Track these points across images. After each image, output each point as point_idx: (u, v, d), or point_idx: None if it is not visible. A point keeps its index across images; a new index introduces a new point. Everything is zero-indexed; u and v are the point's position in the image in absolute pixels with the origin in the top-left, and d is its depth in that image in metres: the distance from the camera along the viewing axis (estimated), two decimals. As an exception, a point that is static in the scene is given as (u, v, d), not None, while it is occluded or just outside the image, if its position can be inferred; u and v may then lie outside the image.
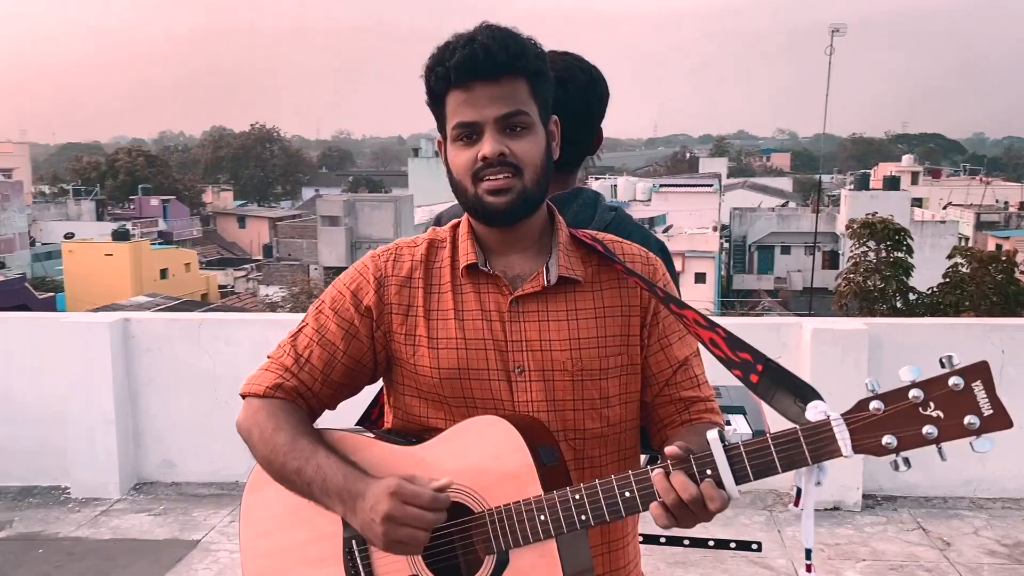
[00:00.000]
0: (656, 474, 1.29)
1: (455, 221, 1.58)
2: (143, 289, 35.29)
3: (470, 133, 1.42)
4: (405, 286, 1.52)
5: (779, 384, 1.34)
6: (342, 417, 1.61)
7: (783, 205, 54.02)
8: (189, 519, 4.69)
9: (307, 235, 42.29)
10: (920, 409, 1.20)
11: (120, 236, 38.95)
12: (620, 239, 1.58)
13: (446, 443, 1.44)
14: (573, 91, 1.85)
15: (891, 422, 1.21)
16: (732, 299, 39.75)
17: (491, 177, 1.42)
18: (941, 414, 1.19)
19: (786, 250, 45.57)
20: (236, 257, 52.28)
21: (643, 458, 1.74)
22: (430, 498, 1.31)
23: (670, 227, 38.45)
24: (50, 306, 27.37)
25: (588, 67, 1.90)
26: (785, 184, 70.09)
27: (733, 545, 2.38)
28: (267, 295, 34.03)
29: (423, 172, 63.94)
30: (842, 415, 1.23)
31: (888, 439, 1.20)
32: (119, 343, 4.99)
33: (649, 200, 46.05)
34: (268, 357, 1.55)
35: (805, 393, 1.30)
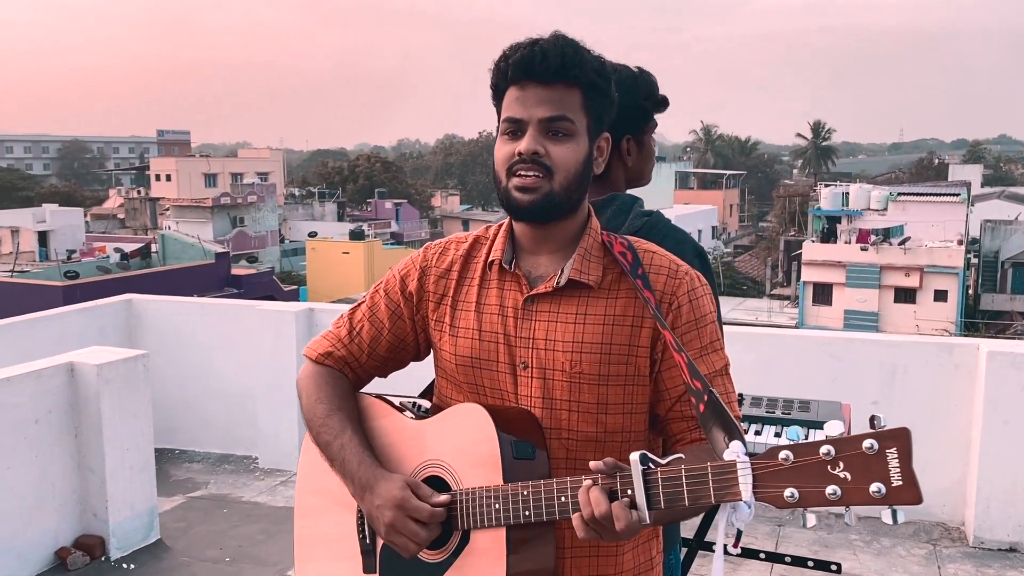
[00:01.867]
0: (583, 486, 1.32)
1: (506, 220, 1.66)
2: (373, 285, 37.82)
3: (516, 129, 1.50)
4: (443, 277, 1.64)
5: (717, 418, 1.34)
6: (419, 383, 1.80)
7: (1045, 218, 48.38)
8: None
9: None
10: (828, 467, 1.15)
11: (356, 236, 42.01)
12: (655, 249, 1.59)
13: (439, 423, 1.56)
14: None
15: (797, 475, 1.16)
16: (978, 320, 36.19)
17: (522, 173, 1.49)
18: (849, 476, 1.14)
19: (1047, 268, 40.76)
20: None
21: None
22: (428, 514, 1.44)
23: (907, 239, 35.60)
24: (293, 298, 30.03)
25: (630, 76, 1.93)
26: (1050, 195, 62.68)
27: (811, 564, 2.29)
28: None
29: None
30: (751, 460, 1.20)
31: (790, 492, 1.16)
32: (304, 330, 5.48)
33: (885, 209, 42.89)
34: (332, 325, 1.74)
35: (733, 432, 1.29)
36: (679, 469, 1.26)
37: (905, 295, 33.36)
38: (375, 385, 1.74)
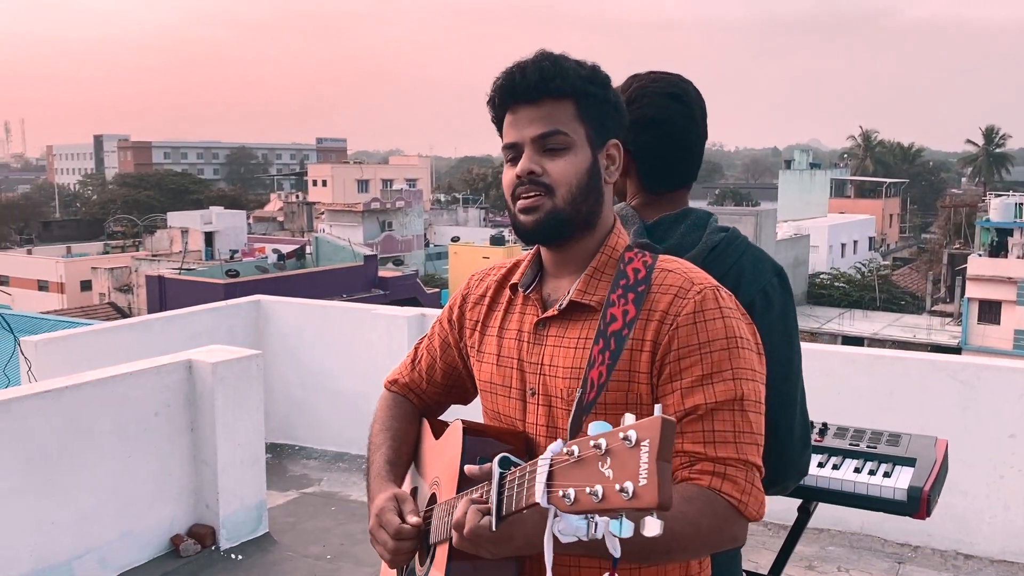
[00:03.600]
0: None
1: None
2: (514, 291, 38.26)
3: (514, 155, 1.46)
4: (479, 304, 1.63)
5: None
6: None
7: None
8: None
9: (666, 247, 42.76)
10: (599, 464, 0.96)
11: (496, 241, 42.60)
12: (676, 268, 1.45)
13: (442, 441, 1.57)
14: (672, 115, 1.78)
15: (577, 472, 0.99)
16: None
17: (524, 196, 1.45)
18: (611, 473, 0.95)
19: None
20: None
21: None
22: (395, 530, 1.44)
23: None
24: (435, 301, 30.85)
25: (682, 91, 1.81)
26: None
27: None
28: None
29: (794, 185, 61.31)
30: (552, 455, 1.04)
31: (567, 493, 0.98)
32: (415, 334, 5.58)
33: (1064, 222, 39.44)
34: (407, 355, 1.80)
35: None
36: (514, 473, 1.15)
37: (1085, 316, 30.59)
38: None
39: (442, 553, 1.40)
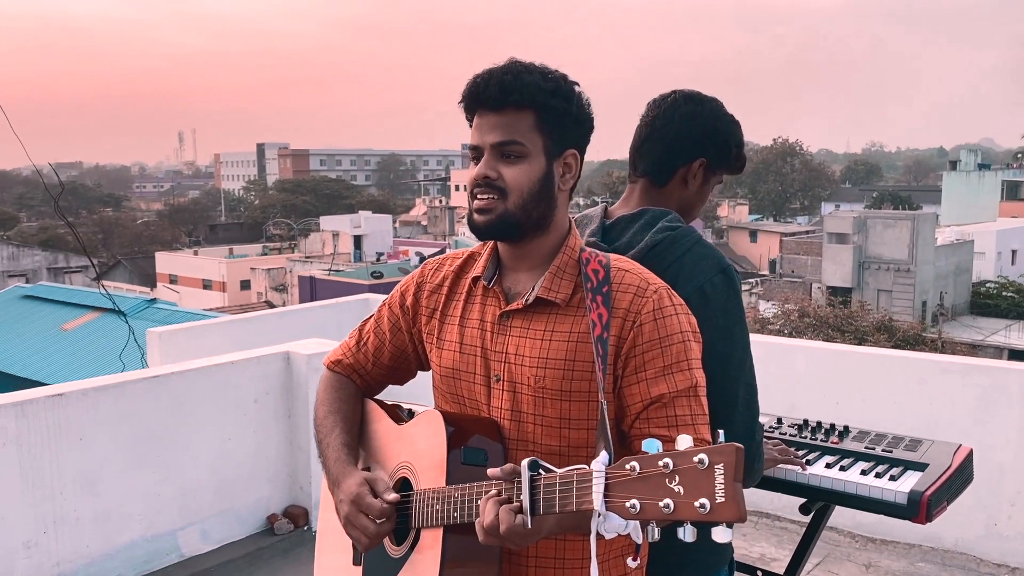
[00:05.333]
0: (486, 494, 1.36)
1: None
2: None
3: (476, 156, 1.59)
4: (435, 292, 1.74)
5: (602, 431, 1.35)
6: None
7: None
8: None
9: (812, 252, 41.19)
10: (667, 480, 1.12)
11: (635, 245, 42.34)
12: (631, 268, 1.58)
13: (411, 428, 1.66)
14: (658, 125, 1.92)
15: (641, 486, 1.15)
16: None
17: (479, 196, 1.57)
18: (682, 490, 1.11)
19: None
20: (744, 271, 53.17)
21: None
22: (379, 511, 1.53)
23: None
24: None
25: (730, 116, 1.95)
26: None
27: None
28: (762, 311, 33.99)
29: (960, 188, 57.59)
30: (607, 469, 1.19)
31: (632, 503, 1.14)
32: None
33: None
34: (348, 335, 1.89)
35: (608, 445, 1.30)
36: (554, 477, 1.27)
37: None
38: (399, 392, 1.86)
39: (432, 537, 1.50)
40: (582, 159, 1.61)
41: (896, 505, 1.94)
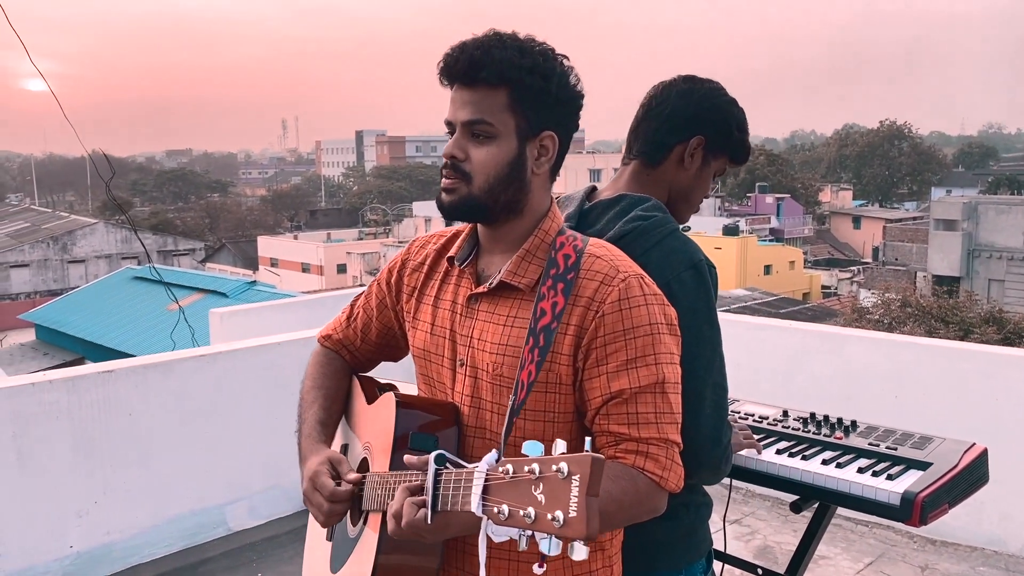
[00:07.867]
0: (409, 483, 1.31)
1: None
2: (745, 283, 37.02)
3: (450, 131, 1.52)
4: (416, 271, 1.70)
5: (509, 428, 1.31)
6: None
7: None
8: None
9: (918, 239, 39.39)
10: (532, 487, 1.04)
11: (730, 231, 41.43)
12: (604, 255, 1.49)
13: (374, 408, 1.64)
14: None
15: (512, 491, 1.06)
16: None
17: (445, 175, 1.51)
18: (544, 499, 1.02)
19: None
20: (845, 258, 51.33)
21: None
22: (329, 492, 1.50)
23: None
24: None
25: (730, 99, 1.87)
26: None
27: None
28: (861, 300, 32.75)
29: (1085, 171, 53.99)
30: (487, 468, 1.11)
31: (502, 509, 1.06)
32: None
33: None
34: (342, 311, 1.88)
35: (500, 446, 1.26)
36: (451, 473, 1.21)
37: None
38: (393, 369, 1.84)
39: (375, 521, 1.49)
40: (564, 140, 1.52)
41: (888, 506, 1.81)
